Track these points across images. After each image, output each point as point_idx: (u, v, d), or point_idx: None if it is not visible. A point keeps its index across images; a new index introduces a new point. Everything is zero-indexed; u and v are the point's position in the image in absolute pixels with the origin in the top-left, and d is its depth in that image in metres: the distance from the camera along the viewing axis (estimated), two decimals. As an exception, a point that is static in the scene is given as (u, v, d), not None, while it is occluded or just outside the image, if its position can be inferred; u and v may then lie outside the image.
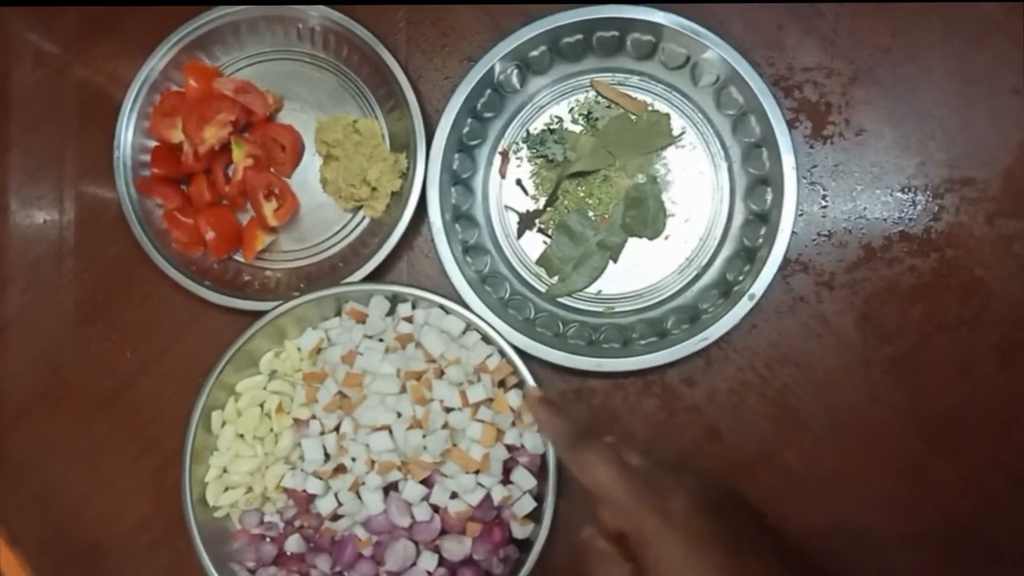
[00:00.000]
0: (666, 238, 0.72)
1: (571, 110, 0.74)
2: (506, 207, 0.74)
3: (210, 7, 0.74)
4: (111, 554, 0.76)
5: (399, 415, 0.68)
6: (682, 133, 0.73)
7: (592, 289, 0.73)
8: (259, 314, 0.70)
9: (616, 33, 0.71)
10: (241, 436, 0.71)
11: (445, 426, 0.67)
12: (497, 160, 0.74)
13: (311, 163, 0.76)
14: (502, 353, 0.68)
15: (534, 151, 0.73)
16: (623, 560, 0.48)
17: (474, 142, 0.73)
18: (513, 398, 0.68)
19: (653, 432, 0.72)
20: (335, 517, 0.69)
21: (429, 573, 0.68)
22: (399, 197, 0.72)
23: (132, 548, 0.76)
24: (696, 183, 0.72)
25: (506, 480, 0.68)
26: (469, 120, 0.72)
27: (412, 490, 0.67)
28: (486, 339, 0.69)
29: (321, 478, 0.69)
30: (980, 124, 0.72)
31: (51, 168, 0.78)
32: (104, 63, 0.78)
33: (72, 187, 0.78)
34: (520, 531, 0.68)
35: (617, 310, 0.72)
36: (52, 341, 0.77)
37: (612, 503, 0.48)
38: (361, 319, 0.71)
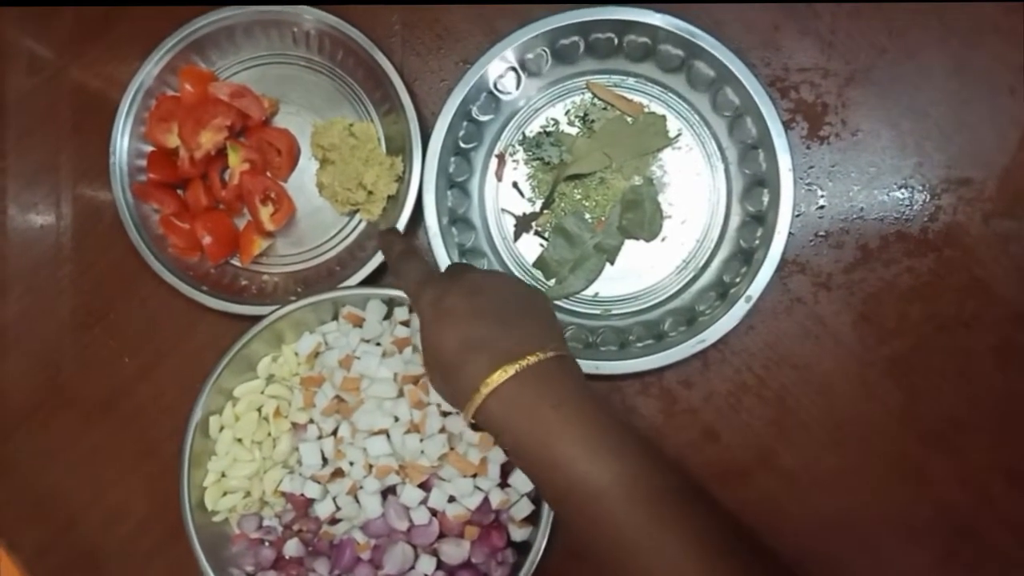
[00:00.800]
0: (663, 240, 0.72)
1: (567, 112, 0.73)
2: (503, 210, 0.74)
3: (205, 10, 0.74)
4: (110, 559, 0.76)
5: (396, 419, 0.68)
6: (678, 135, 0.73)
7: (589, 291, 0.73)
8: (256, 319, 0.70)
9: (612, 35, 0.71)
10: (239, 440, 0.71)
11: (442, 430, 0.67)
12: (493, 163, 0.74)
13: (307, 167, 0.76)
14: (499, 356, 0.68)
15: (530, 154, 0.73)
16: None
17: (470, 145, 0.73)
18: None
19: (649, 433, 0.72)
20: (333, 521, 0.69)
21: (427, 577, 0.68)
22: (395, 201, 0.72)
23: (131, 552, 0.76)
24: (693, 185, 0.72)
25: (504, 483, 0.68)
26: (465, 123, 0.72)
27: (410, 494, 0.67)
28: (483, 342, 0.69)
29: (319, 482, 0.69)
30: (977, 124, 0.72)
31: (47, 174, 0.78)
32: (99, 68, 0.78)
33: (69, 192, 0.78)
34: (518, 534, 0.68)
35: (614, 312, 0.72)
36: (50, 346, 0.77)
37: (410, 299, 0.57)
38: (358, 323, 0.71)
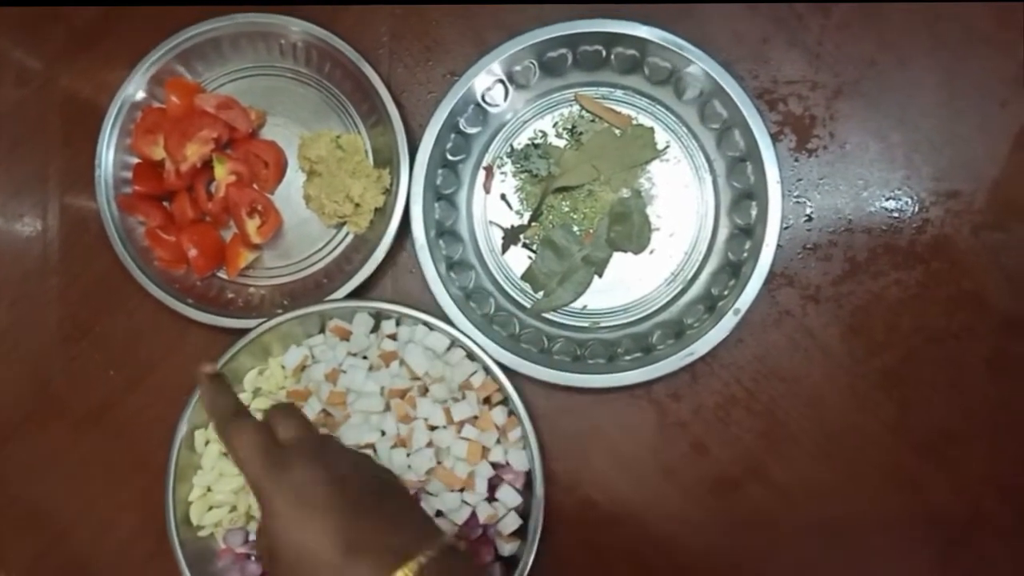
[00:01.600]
0: (651, 253, 0.72)
1: (555, 124, 0.73)
2: (490, 222, 0.73)
3: (192, 21, 0.73)
4: (100, 570, 0.76)
5: (383, 433, 0.67)
6: (666, 147, 0.72)
7: (577, 304, 0.72)
8: (243, 332, 0.69)
9: (600, 47, 0.71)
10: (225, 454, 0.71)
11: (430, 444, 0.67)
12: (481, 175, 0.73)
13: (294, 179, 0.75)
14: (487, 370, 0.68)
15: (518, 166, 0.73)
16: None
17: (458, 157, 0.73)
18: (498, 415, 0.68)
19: (638, 447, 0.71)
20: (320, 535, 0.69)
21: (415, 591, 0.67)
22: (383, 213, 0.72)
23: (121, 564, 0.75)
24: (681, 197, 0.72)
25: (491, 498, 0.68)
26: (453, 135, 0.72)
27: (397, 509, 0.67)
28: (471, 356, 0.69)
29: (306, 496, 0.68)
30: (967, 136, 0.71)
31: (35, 184, 0.78)
32: (87, 80, 0.78)
33: (56, 203, 0.78)
34: (506, 549, 0.68)
35: (602, 325, 0.72)
36: (38, 358, 0.77)
37: (248, 479, 0.48)
38: (345, 336, 0.70)
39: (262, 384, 0.72)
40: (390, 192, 0.71)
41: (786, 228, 0.71)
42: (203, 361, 0.55)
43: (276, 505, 0.45)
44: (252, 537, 0.71)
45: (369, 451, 0.67)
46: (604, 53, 0.71)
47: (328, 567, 0.44)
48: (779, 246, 0.68)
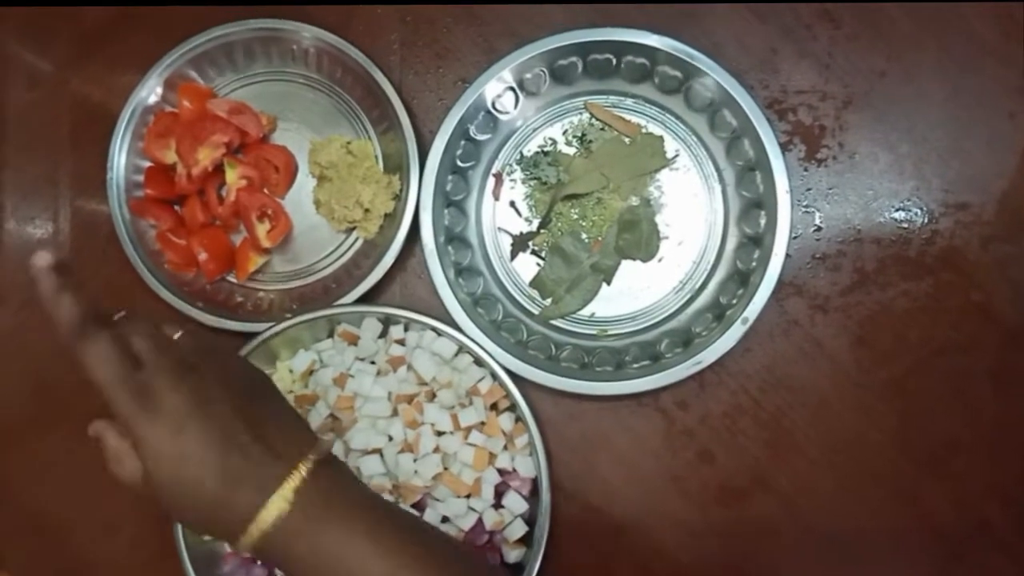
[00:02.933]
0: (659, 261, 0.72)
1: (565, 132, 0.73)
2: (499, 229, 0.73)
3: (204, 27, 0.74)
4: (102, 574, 0.75)
5: (390, 438, 0.67)
6: (676, 156, 0.72)
7: (585, 312, 0.73)
8: (251, 335, 0.69)
9: (610, 56, 0.71)
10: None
11: (436, 450, 0.67)
12: (491, 182, 0.74)
13: (305, 184, 0.75)
14: (494, 376, 0.68)
15: (528, 173, 0.73)
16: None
17: (467, 164, 0.73)
18: (505, 421, 0.68)
19: (644, 454, 0.71)
20: (326, 540, 0.69)
21: (420, 597, 0.67)
22: (392, 219, 0.72)
23: (123, 568, 0.75)
24: (689, 206, 0.72)
25: (498, 504, 0.68)
26: (462, 142, 0.72)
27: (403, 514, 0.67)
28: (478, 362, 0.69)
29: (312, 501, 0.68)
30: (975, 149, 0.72)
31: (46, 187, 0.78)
32: (99, 83, 0.78)
33: (67, 206, 0.78)
34: (512, 555, 0.68)
35: (610, 333, 0.72)
36: (45, 361, 0.77)
37: (110, 406, 0.46)
38: (353, 341, 0.71)
39: (270, 388, 0.72)
40: (400, 198, 0.72)
41: (795, 238, 0.71)
42: (38, 251, 0.47)
43: (147, 442, 0.45)
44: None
45: (376, 456, 0.67)
46: (614, 62, 0.71)
47: (209, 503, 0.44)
48: (788, 255, 0.68)
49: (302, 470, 0.45)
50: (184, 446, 0.44)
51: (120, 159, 0.73)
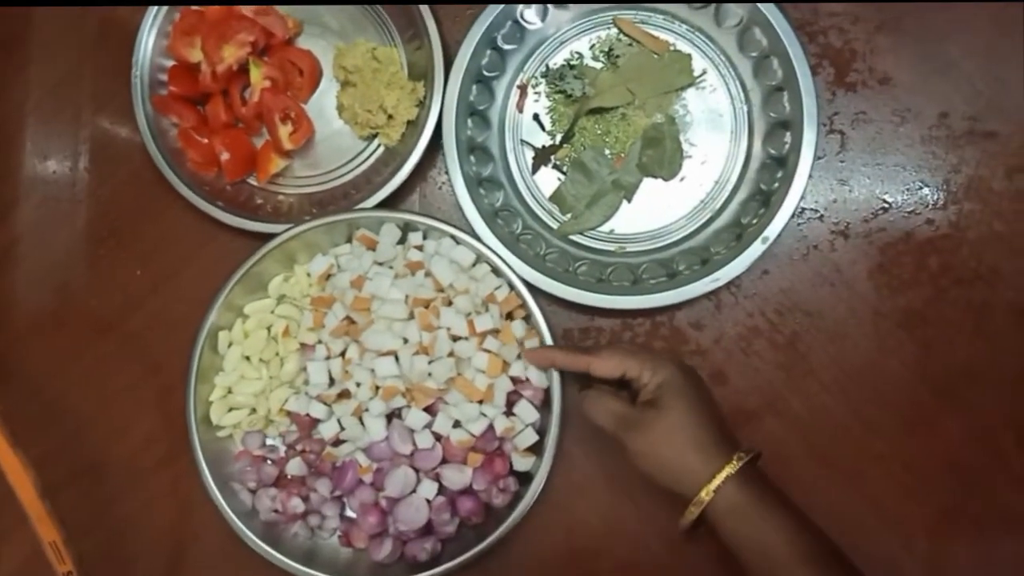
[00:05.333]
0: (682, 179, 0.72)
1: (592, 47, 0.73)
2: (522, 141, 0.73)
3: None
4: (114, 472, 0.76)
5: (406, 341, 0.68)
6: (703, 74, 0.72)
7: (605, 228, 0.72)
8: (270, 236, 0.69)
9: (641, -31, 0.70)
10: (247, 358, 0.71)
11: (451, 354, 0.67)
12: (515, 94, 0.73)
13: (328, 91, 0.75)
14: (511, 286, 0.68)
15: (553, 86, 0.72)
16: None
17: (493, 74, 0.72)
18: (519, 329, 0.68)
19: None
20: (337, 442, 0.70)
21: (428, 501, 0.68)
22: (415, 126, 0.72)
23: (135, 466, 0.76)
24: (714, 125, 0.72)
25: (509, 412, 0.68)
26: (489, 51, 0.72)
27: (415, 417, 0.67)
28: (496, 271, 0.69)
29: (325, 403, 0.69)
30: (1008, 79, 0.70)
31: (70, 84, 0.78)
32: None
33: (89, 104, 0.78)
34: (521, 463, 0.68)
35: (629, 250, 0.72)
36: (63, 257, 0.78)
37: (634, 367, 0.60)
38: (372, 246, 0.71)
39: (287, 291, 0.72)
40: (423, 105, 0.71)
41: (820, 158, 0.71)
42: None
43: (675, 379, 0.60)
44: (270, 441, 0.72)
45: (390, 358, 0.67)
46: (645, -24, 0.71)
47: (697, 440, 0.58)
48: (810, 177, 0.67)
49: (744, 455, 0.57)
50: (675, 440, 0.58)
51: (145, 56, 0.73)
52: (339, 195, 0.74)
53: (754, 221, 0.69)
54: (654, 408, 0.59)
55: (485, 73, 0.72)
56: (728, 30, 0.71)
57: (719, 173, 0.71)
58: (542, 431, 0.68)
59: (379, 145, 0.74)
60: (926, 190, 0.70)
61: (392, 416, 0.69)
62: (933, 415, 0.70)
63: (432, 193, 0.74)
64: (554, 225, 0.73)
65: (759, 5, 0.68)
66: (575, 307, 0.70)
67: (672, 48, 0.72)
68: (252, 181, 0.75)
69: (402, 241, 0.71)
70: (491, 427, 0.67)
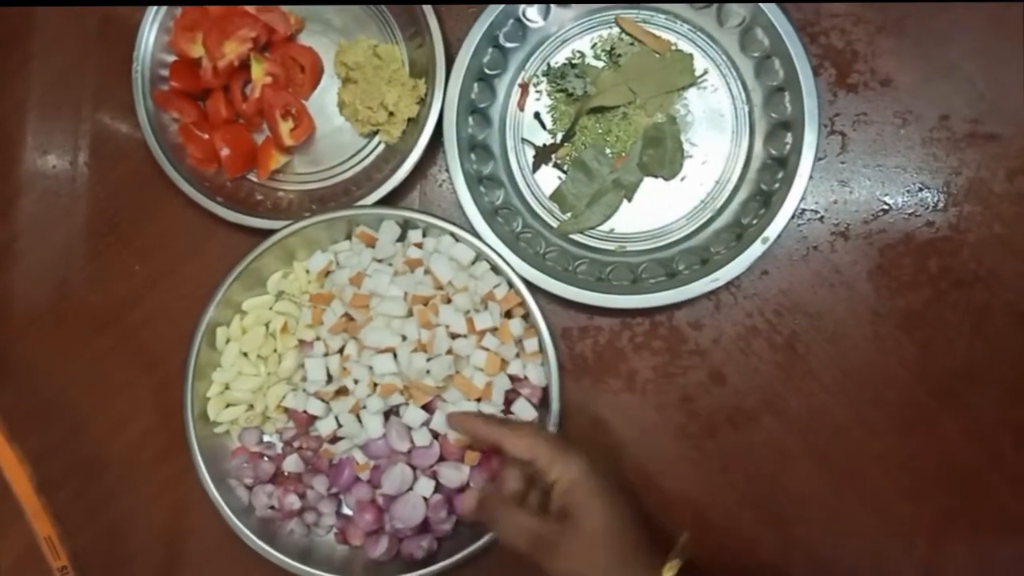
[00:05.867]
0: (682, 179, 0.72)
1: (594, 45, 0.73)
2: (523, 140, 0.73)
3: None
4: (111, 467, 0.76)
5: (404, 338, 0.67)
6: (704, 73, 0.72)
7: (605, 227, 0.72)
8: (270, 233, 0.69)
9: (643, -31, 0.70)
10: (245, 354, 0.71)
11: (449, 352, 0.67)
12: (516, 92, 0.73)
13: (329, 87, 0.75)
14: (510, 284, 0.68)
15: (554, 85, 0.72)
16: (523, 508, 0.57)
17: (494, 72, 0.72)
18: (517, 327, 0.68)
19: (656, 372, 0.71)
20: (334, 439, 0.70)
21: (425, 499, 0.68)
22: (415, 124, 0.72)
23: (132, 462, 0.76)
24: (716, 125, 0.72)
25: (507, 411, 0.68)
26: (490, 49, 0.72)
27: (413, 414, 0.67)
28: (495, 269, 0.69)
29: (323, 399, 0.69)
30: (1009, 81, 0.70)
31: (71, 79, 0.78)
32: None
33: (90, 100, 0.78)
34: (518, 462, 0.68)
35: (629, 249, 0.72)
36: (62, 252, 0.77)
37: (544, 454, 0.56)
38: (371, 243, 0.71)
39: (285, 287, 0.72)
40: (424, 103, 0.71)
41: (820, 159, 0.71)
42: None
43: (584, 479, 0.55)
44: (267, 437, 0.72)
45: (388, 355, 0.67)
46: (647, -25, 0.71)
47: (621, 551, 0.54)
48: (811, 178, 0.67)
49: (671, 568, 0.53)
50: (596, 558, 0.53)
51: (146, 51, 0.73)
52: (339, 192, 0.74)
53: (754, 221, 0.69)
54: (568, 519, 0.54)
55: (486, 71, 0.72)
56: (730, 30, 0.71)
57: (720, 173, 0.71)
58: (540, 430, 0.68)
59: (380, 142, 0.74)
60: (927, 192, 0.70)
61: (390, 413, 0.69)
62: (931, 416, 0.70)
63: (432, 191, 0.74)
64: (554, 224, 0.73)
65: (761, 6, 0.68)
66: (574, 306, 0.70)
67: (674, 48, 0.72)
68: (252, 177, 0.75)
69: (402, 238, 0.71)
70: (489, 425, 0.67)
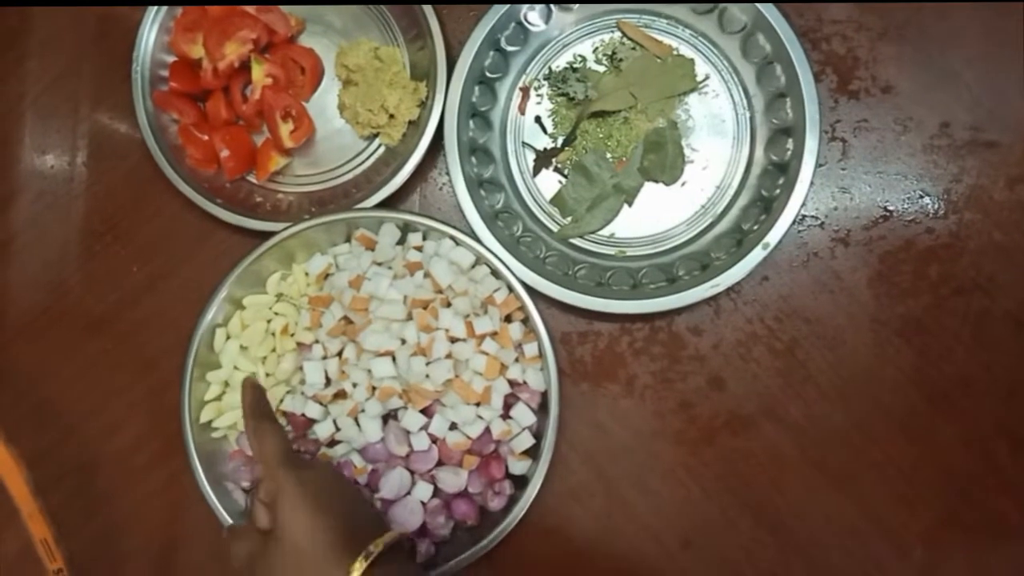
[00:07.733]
0: (683, 184, 0.72)
1: (595, 50, 0.73)
2: (524, 143, 0.73)
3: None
4: (106, 470, 0.76)
5: (403, 342, 0.67)
6: (706, 79, 0.72)
7: (605, 232, 0.72)
8: (269, 235, 0.69)
9: (645, -26, 0.70)
10: (244, 349, 0.71)
11: (449, 356, 0.67)
12: (517, 96, 0.73)
13: (330, 89, 0.75)
14: (510, 288, 0.68)
15: (555, 89, 0.72)
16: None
17: (495, 75, 0.72)
18: (516, 331, 0.67)
19: (655, 378, 0.71)
20: (332, 443, 0.69)
21: (423, 503, 0.67)
22: (416, 127, 0.71)
23: (127, 465, 0.75)
24: (717, 130, 0.71)
25: (506, 415, 0.68)
26: (492, 52, 0.71)
27: (411, 418, 0.67)
28: (495, 273, 0.68)
29: (321, 403, 0.68)
30: (1009, 89, 0.71)
31: (69, 80, 0.78)
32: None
33: (88, 99, 0.78)
34: (517, 467, 0.68)
35: (629, 254, 0.72)
36: (58, 253, 0.77)
37: (265, 468, 0.58)
38: (371, 246, 0.70)
39: (284, 289, 0.72)
40: (425, 105, 0.71)
41: (821, 166, 0.71)
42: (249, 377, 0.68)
43: (288, 492, 0.56)
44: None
45: (387, 359, 0.67)
46: (649, -20, 0.71)
47: (315, 557, 0.54)
48: (812, 184, 0.67)
49: (373, 546, 0.54)
50: (313, 508, 0.55)
51: (146, 51, 0.73)
52: (339, 194, 0.73)
53: (755, 227, 0.69)
54: (272, 535, 0.56)
55: (488, 74, 0.72)
56: (732, 36, 0.71)
57: (720, 178, 0.71)
58: (538, 435, 0.68)
59: (380, 145, 0.74)
60: (927, 199, 0.70)
61: (388, 417, 0.69)
62: (929, 423, 0.70)
63: (432, 194, 0.74)
64: (554, 228, 0.72)
65: (763, 11, 0.68)
66: (574, 310, 0.70)
67: (675, 53, 0.72)
68: (252, 179, 0.75)
69: (401, 241, 0.71)
70: (488, 430, 0.67)
